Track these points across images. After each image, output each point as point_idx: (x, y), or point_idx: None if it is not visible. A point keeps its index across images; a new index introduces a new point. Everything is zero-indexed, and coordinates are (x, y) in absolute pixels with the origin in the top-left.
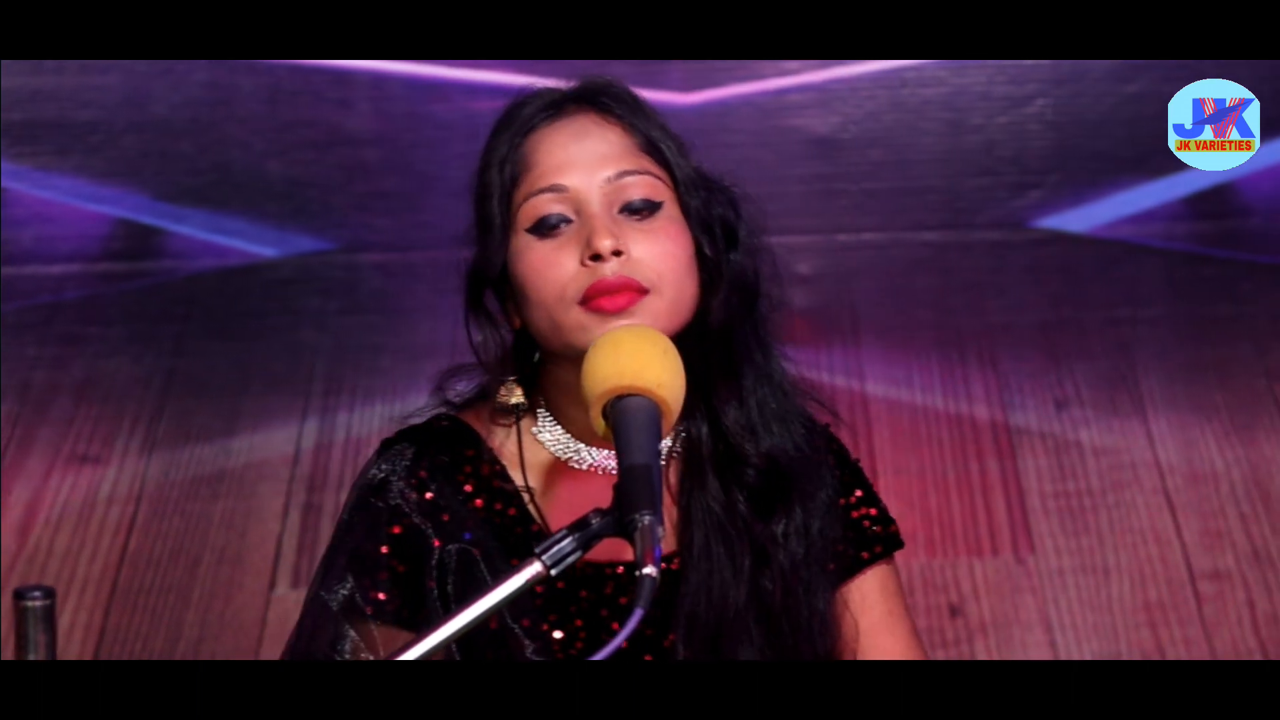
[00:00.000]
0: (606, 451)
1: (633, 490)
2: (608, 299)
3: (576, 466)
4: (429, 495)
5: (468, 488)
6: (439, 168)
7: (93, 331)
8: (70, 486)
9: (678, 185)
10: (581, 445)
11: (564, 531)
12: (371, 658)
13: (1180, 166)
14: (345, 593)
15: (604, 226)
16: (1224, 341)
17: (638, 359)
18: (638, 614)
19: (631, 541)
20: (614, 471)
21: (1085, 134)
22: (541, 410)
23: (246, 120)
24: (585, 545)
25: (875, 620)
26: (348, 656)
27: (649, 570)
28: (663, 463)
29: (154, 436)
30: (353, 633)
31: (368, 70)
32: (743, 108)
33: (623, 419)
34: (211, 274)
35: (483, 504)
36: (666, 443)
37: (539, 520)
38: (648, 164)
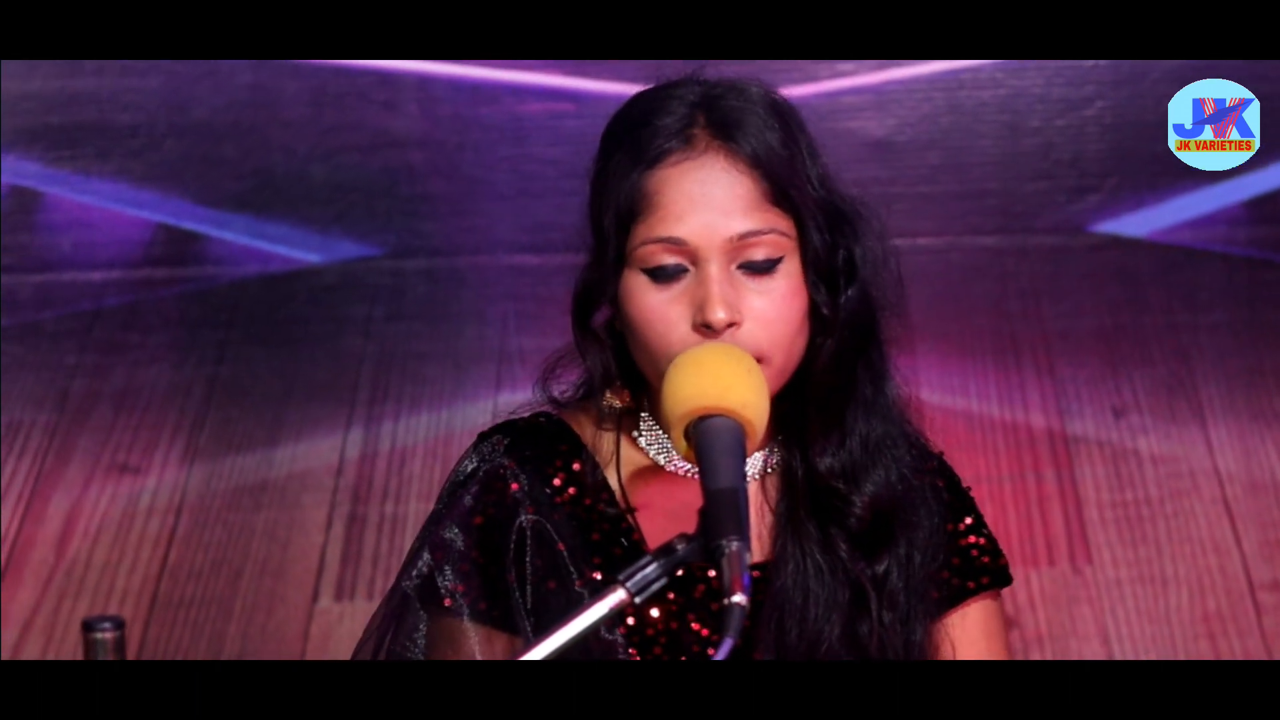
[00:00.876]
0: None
1: (719, 515)
2: None
3: (673, 471)
4: (515, 486)
5: (557, 481)
6: (486, 171)
7: (133, 339)
8: (109, 497)
9: (803, 234)
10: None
11: (648, 558)
12: (449, 652)
13: (1240, 170)
14: (422, 580)
15: (719, 296)
16: None
17: (720, 379)
18: (728, 644)
19: (718, 568)
20: None
21: (1144, 137)
22: (644, 414)
23: (290, 123)
24: (670, 571)
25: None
26: (421, 647)
27: (738, 599)
28: (759, 477)
29: (195, 446)
30: (428, 623)
31: (413, 72)
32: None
33: (706, 441)
34: (254, 280)
35: (571, 498)
36: (760, 457)
37: (631, 521)
38: (775, 217)
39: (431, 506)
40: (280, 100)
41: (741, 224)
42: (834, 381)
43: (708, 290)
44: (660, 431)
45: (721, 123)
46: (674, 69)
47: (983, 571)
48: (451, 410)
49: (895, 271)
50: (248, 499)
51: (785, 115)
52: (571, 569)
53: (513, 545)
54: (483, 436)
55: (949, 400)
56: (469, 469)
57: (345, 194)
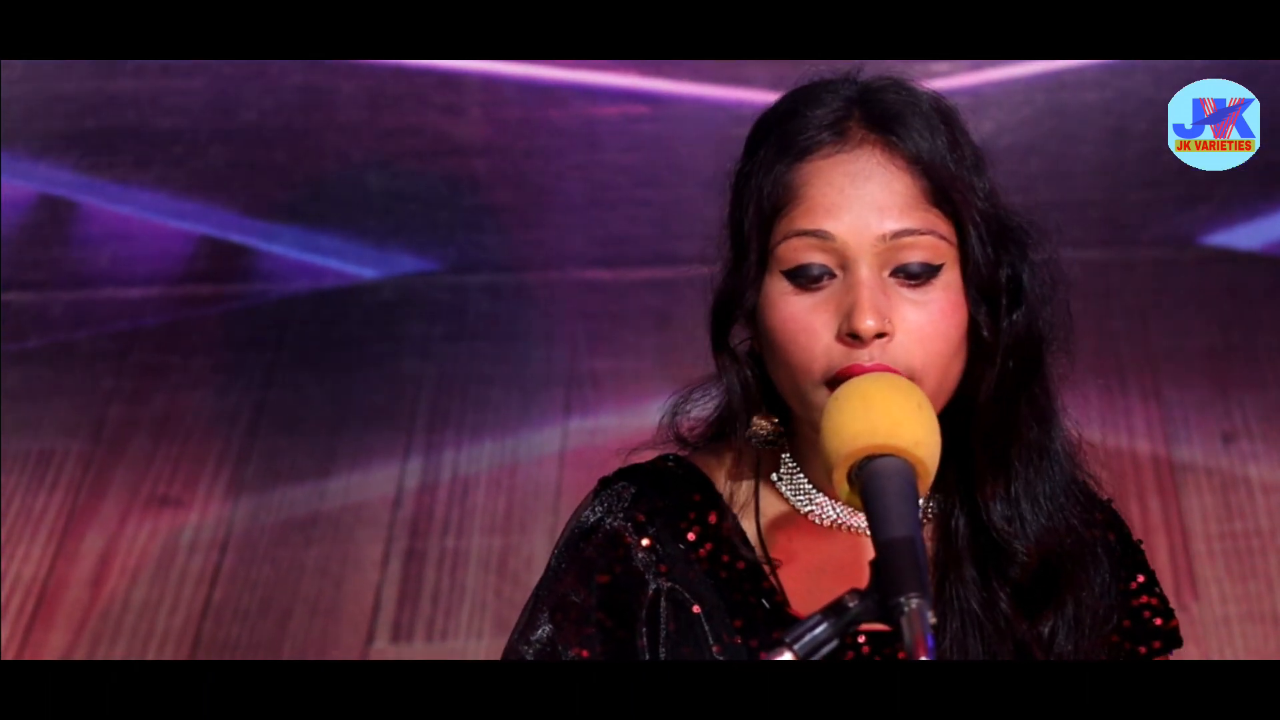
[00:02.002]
0: (850, 509)
1: (896, 569)
2: None
3: (817, 521)
4: (646, 541)
5: (691, 535)
6: (555, 180)
7: (174, 361)
8: (149, 533)
9: (964, 242)
10: (824, 498)
11: (817, 617)
12: None
13: None
14: (543, 644)
15: (869, 302)
16: None
17: (890, 414)
18: None
19: (897, 628)
20: (857, 529)
21: (1260, 142)
22: (785, 456)
23: (345, 128)
24: (842, 632)
25: None
26: None
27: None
28: None
29: (241, 477)
30: None
31: (478, 72)
32: None
33: (876, 484)
34: (305, 297)
35: (708, 554)
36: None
37: (771, 579)
38: (935, 219)
39: (498, 541)
40: (334, 103)
41: (896, 222)
42: (998, 417)
43: (857, 295)
44: (802, 475)
45: (880, 116)
46: (755, 70)
47: (1155, 635)
48: (517, 438)
49: (1065, 303)
50: (298, 534)
51: (950, 117)
52: (708, 633)
53: (645, 608)
54: (605, 483)
55: None
56: (591, 520)
57: (404, 204)
